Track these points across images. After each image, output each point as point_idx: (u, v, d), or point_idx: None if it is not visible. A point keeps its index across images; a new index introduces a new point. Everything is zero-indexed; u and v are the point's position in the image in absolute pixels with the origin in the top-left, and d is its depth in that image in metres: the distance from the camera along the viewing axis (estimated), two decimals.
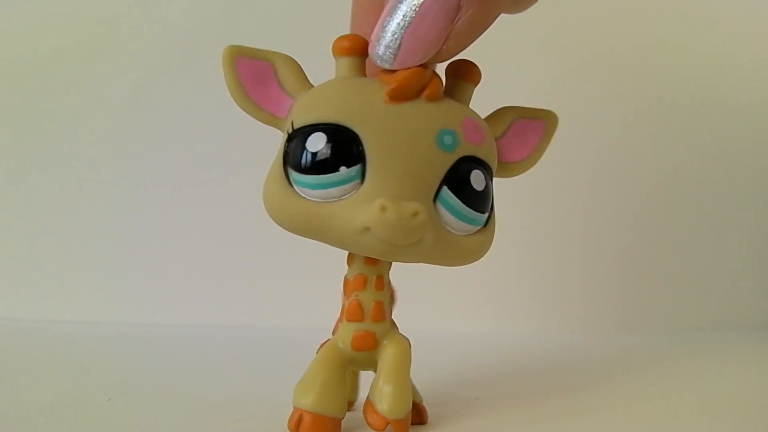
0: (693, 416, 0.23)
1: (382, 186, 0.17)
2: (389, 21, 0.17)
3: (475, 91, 0.20)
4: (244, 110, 0.19)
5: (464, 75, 0.20)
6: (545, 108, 0.21)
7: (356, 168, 0.17)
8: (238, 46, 0.19)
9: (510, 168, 0.20)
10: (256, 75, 0.19)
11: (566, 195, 0.43)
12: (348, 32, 0.20)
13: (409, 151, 0.17)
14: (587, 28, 0.44)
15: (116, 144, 0.41)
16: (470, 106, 0.20)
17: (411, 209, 0.17)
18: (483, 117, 0.20)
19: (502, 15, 0.19)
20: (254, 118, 0.19)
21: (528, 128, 0.20)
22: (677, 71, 0.44)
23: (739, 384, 0.29)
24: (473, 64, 0.20)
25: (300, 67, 0.19)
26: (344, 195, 0.17)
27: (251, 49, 0.19)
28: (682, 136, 0.44)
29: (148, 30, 0.41)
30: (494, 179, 0.20)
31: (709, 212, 0.44)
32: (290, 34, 0.34)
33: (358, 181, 0.17)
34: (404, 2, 0.17)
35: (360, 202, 0.17)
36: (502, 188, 0.23)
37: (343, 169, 0.17)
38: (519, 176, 0.21)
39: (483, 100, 0.20)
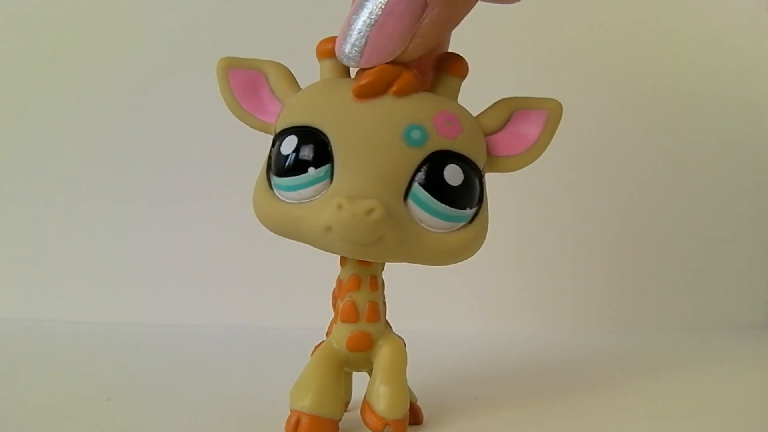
0: (693, 416, 0.23)
1: (346, 185, 0.17)
2: (355, 19, 0.17)
3: (471, 85, 0.20)
4: (239, 119, 0.20)
5: (449, 68, 0.19)
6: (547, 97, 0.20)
7: (325, 168, 0.17)
8: (231, 58, 0.19)
9: (512, 162, 0.20)
10: (248, 84, 0.19)
11: (567, 194, 0.43)
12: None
13: (374, 149, 0.17)
14: (581, 21, 0.43)
15: (116, 144, 0.41)
16: (463, 99, 0.19)
17: (365, 206, 0.17)
18: (481, 110, 0.20)
19: (495, 6, 0.19)
20: (248, 125, 0.20)
21: (529, 119, 0.20)
22: (673, 65, 0.44)
23: (739, 384, 0.29)
24: (458, 56, 0.19)
25: (290, 73, 0.20)
26: (315, 196, 0.18)
27: (243, 59, 0.19)
28: (682, 134, 0.44)
29: (148, 32, 0.41)
30: (494, 173, 0.20)
31: (708, 211, 0.44)
32: (287, 37, 0.34)
33: (327, 180, 0.18)
34: (371, 1, 0.17)
35: (325, 202, 0.17)
36: (499, 186, 0.23)
37: (311, 169, 0.17)
38: (520, 171, 0.20)
39: (478, 94, 0.20)
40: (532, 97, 0.20)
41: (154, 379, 0.27)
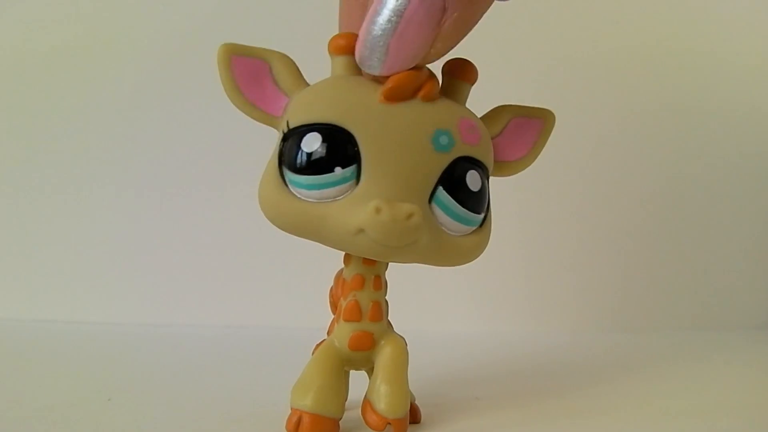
0: (693, 416, 0.23)
1: (377, 187, 0.17)
2: (373, 27, 0.17)
3: (473, 89, 0.20)
4: (239, 109, 0.19)
5: (460, 74, 0.19)
6: (543, 107, 0.21)
7: (351, 168, 0.17)
8: (234, 44, 0.19)
9: (507, 167, 0.20)
10: (251, 73, 0.19)
11: (568, 196, 0.43)
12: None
13: (404, 152, 0.17)
14: (587, 27, 0.44)
15: (117, 144, 0.41)
16: (467, 104, 0.20)
17: (406, 211, 0.17)
18: (480, 115, 0.20)
19: (497, 10, 0.19)
20: (249, 116, 0.19)
21: (525, 127, 0.20)
22: (676, 71, 0.44)
23: (739, 384, 0.29)
24: (469, 62, 0.19)
25: (296, 65, 0.19)
26: (339, 196, 0.17)
27: (247, 47, 0.19)
28: (682, 136, 0.44)
29: (150, 29, 0.41)
30: (491, 178, 0.20)
31: (708, 212, 0.44)
32: (289, 33, 0.34)
33: (353, 181, 0.17)
34: (387, 7, 0.17)
35: (355, 203, 0.17)
36: (501, 188, 0.23)
37: (338, 169, 0.17)
38: (521, 174, 0.21)
39: (480, 99, 0.20)
40: (529, 106, 0.20)
41: (154, 379, 0.27)
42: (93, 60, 0.41)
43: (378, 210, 0.17)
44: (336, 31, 0.19)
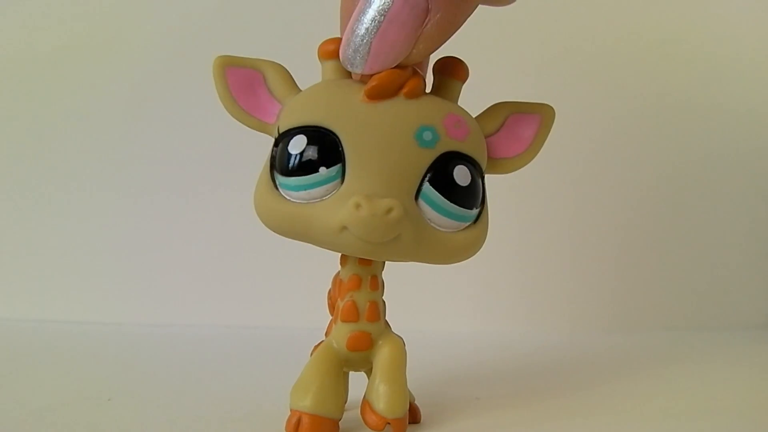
0: (692, 416, 0.23)
1: (360, 184, 0.17)
2: (358, 26, 0.17)
3: (471, 88, 0.20)
4: (236, 118, 0.19)
5: (451, 72, 0.20)
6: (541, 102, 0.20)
7: (336, 168, 0.17)
8: (228, 56, 0.19)
9: (507, 163, 0.20)
10: (245, 83, 0.19)
11: (566, 195, 0.43)
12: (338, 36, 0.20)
13: (387, 149, 0.17)
14: (585, 24, 0.43)
15: (117, 144, 0.41)
16: (463, 102, 0.20)
17: (385, 206, 0.17)
18: (478, 113, 0.20)
19: (495, 9, 0.19)
20: (245, 125, 0.19)
21: (524, 122, 0.20)
22: (675, 69, 0.44)
23: (739, 384, 0.29)
24: (459, 60, 0.20)
25: (288, 73, 0.20)
26: (326, 195, 0.18)
27: (240, 58, 0.19)
28: (681, 134, 0.44)
29: (149, 32, 0.41)
30: (492, 176, 0.20)
31: (708, 211, 0.44)
32: (287, 37, 0.34)
33: (338, 180, 0.18)
34: (372, 7, 0.17)
35: (338, 201, 0.17)
36: (500, 187, 0.23)
37: (322, 169, 0.17)
38: (518, 174, 0.20)
39: (477, 97, 0.20)
40: (526, 102, 0.20)
41: (154, 379, 0.27)
42: (93, 61, 0.41)
43: (357, 206, 0.17)
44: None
